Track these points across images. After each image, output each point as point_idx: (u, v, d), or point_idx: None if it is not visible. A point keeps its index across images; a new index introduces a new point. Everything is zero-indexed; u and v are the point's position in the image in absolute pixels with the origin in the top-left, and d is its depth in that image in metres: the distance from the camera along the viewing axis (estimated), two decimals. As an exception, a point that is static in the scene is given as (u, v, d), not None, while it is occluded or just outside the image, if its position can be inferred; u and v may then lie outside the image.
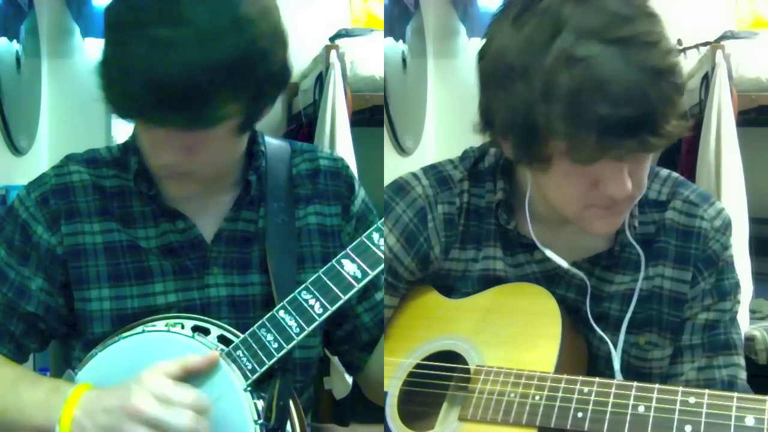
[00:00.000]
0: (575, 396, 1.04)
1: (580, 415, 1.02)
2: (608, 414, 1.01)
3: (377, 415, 1.19)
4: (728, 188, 3.31)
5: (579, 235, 1.17)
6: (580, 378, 1.06)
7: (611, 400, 1.02)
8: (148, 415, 1.00)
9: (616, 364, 1.15)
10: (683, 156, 3.69)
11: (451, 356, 1.18)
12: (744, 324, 3.37)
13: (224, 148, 1.13)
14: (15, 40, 3.33)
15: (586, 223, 1.11)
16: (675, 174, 1.24)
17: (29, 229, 1.19)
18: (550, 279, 1.20)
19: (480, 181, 1.24)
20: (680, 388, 0.99)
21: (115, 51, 1.02)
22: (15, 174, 3.21)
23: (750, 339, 3.45)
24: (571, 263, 1.18)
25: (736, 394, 0.96)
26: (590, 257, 1.19)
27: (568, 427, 1.03)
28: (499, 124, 1.06)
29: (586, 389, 1.04)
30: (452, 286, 1.24)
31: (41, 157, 3.53)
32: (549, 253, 1.16)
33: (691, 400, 0.98)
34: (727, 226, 1.20)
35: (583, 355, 1.16)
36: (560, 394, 1.05)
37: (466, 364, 1.16)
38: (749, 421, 0.93)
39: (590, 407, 1.02)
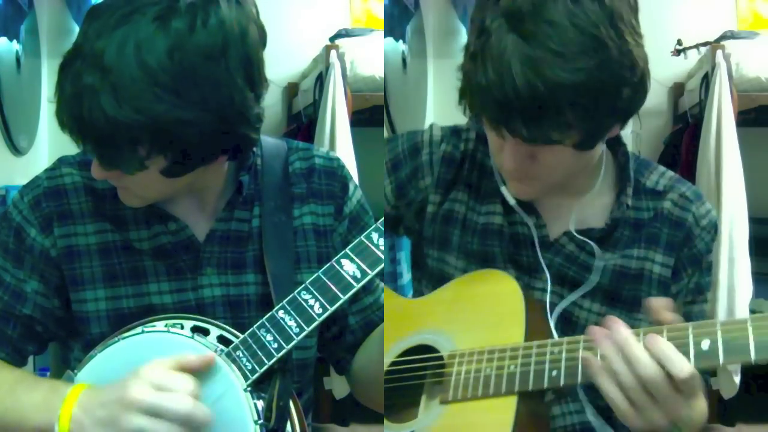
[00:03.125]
0: (547, 357, 1.08)
1: (554, 373, 1.06)
2: (579, 366, 1.05)
3: (377, 415, 1.20)
4: (728, 188, 3.31)
5: (579, 209, 1.23)
6: (550, 341, 1.10)
7: (580, 354, 1.05)
8: (144, 403, 0.99)
9: (551, 323, 1.20)
10: (683, 156, 3.69)
11: (425, 350, 1.20)
12: (744, 324, 3.37)
13: (153, 185, 1.11)
14: (15, 40, 3.33)
15: (507, 183, 1.22)
16: (671, 172, 1.30)
17: (23, 232, 1.19)
18: (543, 243, 1.24)
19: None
20: (641, 329, 1.03)
21: (57, 84, 1.05)
22: (15, 174, 3.21)
23: (750, 339, 3.44)
24: (563, 232, 1.23)
25: (691, 323, 1.01)
26: (583, 230, 1.23)
27: (545, 386, 1.07)
28: None
29: (556, 349, 1.08)
30: (452, 233, 1.29)
31: (41, 157, 3.53)
32: (506, 194, 1.23)
33: None
34: (712, 227, 1.27)
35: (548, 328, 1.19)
36: (533, 359, 1.09)
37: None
38: (705, 345, 0.98)
39: (563, 364, 1.06)
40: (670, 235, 1.24)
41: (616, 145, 1.26)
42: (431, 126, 1.34)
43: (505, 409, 1.08)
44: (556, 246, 1.24)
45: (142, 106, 0.99)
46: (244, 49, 1.04)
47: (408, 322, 1.24)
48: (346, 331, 1.30)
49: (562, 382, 1.06)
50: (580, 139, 1.07)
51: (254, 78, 1.07)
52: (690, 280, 1.26)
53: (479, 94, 1.05)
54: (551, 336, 1.16)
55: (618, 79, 1.04)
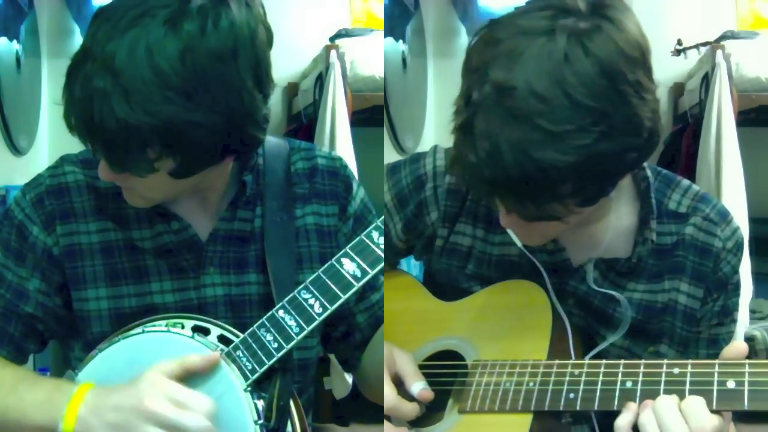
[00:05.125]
0: (567, 378, 1.07)
1: (572, 396, 1.05)
2: (598, 392, 1.04)
3: (377, 415, 1.20)
4: (728, 188, 3.31)
5: (602, 235, 1.19)
6: (571, 362, 1.09)
7: (600, 378, 1.04)
8: (162, 417, 1.00)
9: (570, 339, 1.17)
10: (683, 156, 3.69)
11: (452, 355, 1.20)
12: (744, 324, 3.38)
13: (159, 186, 1.11)
14: (15, 40, 3.33)
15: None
16: (695, 186, 1.23)
17: (25, 230, 1.19)
18: (564, 270, 1.21)
19: None
20: (665, 361, 1.02)
21: (65, 86, 1.04)
22: (15, 174, 3.21)
23: (750, 339, 3.45)
24: (587, 259, 1.19)
25: (717, 361, 0.98)
26: (608, 259, 1.20)
27: (561, 408, 1.06)
28: None
29: (576, 371, 1.07)
30: (464, 266, 1.26)
31: (41, 157, 3.53)
32: (514, 237, 1.19)
33: (676, 370, 1.01)
34: (739, 247, 1.21)
35: (577, 343, 1.17)
36: (552, 378, 1.08)
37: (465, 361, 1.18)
38: (730, 384, 0.96)
39: (581, 387, 1.05)
40: (696, 264, 1.19)
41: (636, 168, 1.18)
42: (434, 151, 1.29)
43: (519, 426, 1.07)
44: (580, 273, 1.20)
45: (153, 109, 0.99)
46: (253, 51, 1.04)
47: (438, 326, 1.24)
48: (355, 329, 1.30)
49: (578, 406, 1.04)
50: (580, 203, 1.03)
51: (262, 79, 1.07)
52: (715, 303, 1.20)
53: (469, 170, 1.01)
54: (579, 356, 1.15)
55: (622, 147, 0.99)
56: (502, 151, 0.97)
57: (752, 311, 3.59)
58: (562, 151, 0.96)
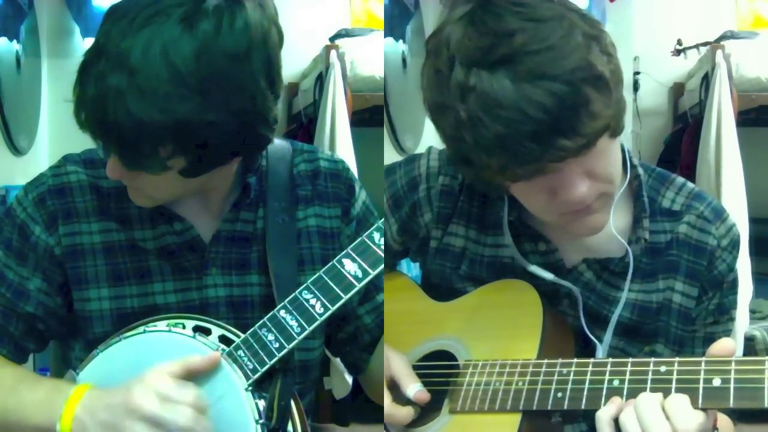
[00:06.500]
0: (555, 378, 1.07)
1: (559, 395, 1.06)
2: (585, 391, 1.04)
3: (377, 415, 1.20)
4: (728, 188, 3.31)
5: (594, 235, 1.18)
6: (560, 360, 1.09)
7: (588, 377, 1.05)
8: (147, 412, 1.00)
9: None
10: (683, 156, 3.69)
11: (445, 356, 1.20)
12: (744, 324, 3.38)
13: (168, 186, 1.11)
14: (15, 40, 3.33)
15: (569, 228, 1.13)
16: (690, 184, 1.23)
17: (27, 229, 1.19)
18: (557, 271, 1.20)
19: None
20: (652, 359, 1.02)
21: (76, 83, 1.04)
22: (15, 174, 3.21)
23: (750, 339, 3.46)
24: (581, 260, 1.19)
25: (704, 359, 0.98)
26: (602, 259, 1.19)
27: (549, 407, 1.06)
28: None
29: (565, 370, 1.07)
30: (457, 266, 1.26)
31: (41, 157, 3.52)
32: (509, 241, 1.18)
33: (663, 368, 1.00)
34: (734, 245, 1.20)
35: (569, 342, 1.18)
36: (541, 378, 1.08)
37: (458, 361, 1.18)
38: (716, 382, 0.96)
39: (569, 386, 1.06)
40: (691, 262, 1.18)
41: (629, 167, 1.19)
42: (429, 153, 1.29)
43: (509, 426, 1.08)
44: (573, 273, 1.20)
45: (168, 107, 0.99)
46: (266, 51, 1.05)
47: (431, 326, 1.24)
48: (363, 330, 1.31)
49: (566, 405, 1.05)
50: (613, 120, 1.02)
51: (274, 79, 1.08)
52: (710, 302, 1.20)
53: (499, 145, 0.98)
54: (571, 355, 1.15)
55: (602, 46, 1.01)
56: (529, 96, 0.95)
57: (752, 311, 3.59)
58: (571, 63, 0.96)
